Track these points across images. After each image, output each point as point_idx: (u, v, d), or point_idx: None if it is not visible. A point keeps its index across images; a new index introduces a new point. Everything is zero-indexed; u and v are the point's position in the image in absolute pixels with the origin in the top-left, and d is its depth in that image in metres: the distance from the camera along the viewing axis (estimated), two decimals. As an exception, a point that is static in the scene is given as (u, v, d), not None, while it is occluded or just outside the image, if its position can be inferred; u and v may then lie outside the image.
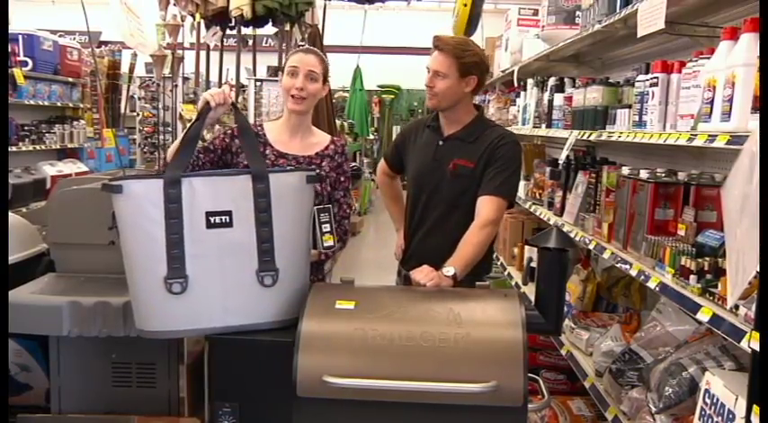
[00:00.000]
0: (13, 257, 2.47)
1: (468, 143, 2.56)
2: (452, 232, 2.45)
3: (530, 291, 2.90)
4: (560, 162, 3.40)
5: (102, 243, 2.32)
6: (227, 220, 1.90)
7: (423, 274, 2.13)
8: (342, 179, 2.54)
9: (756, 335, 1.51)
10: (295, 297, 1.99)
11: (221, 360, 1.95)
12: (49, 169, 6.65)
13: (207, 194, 1.90)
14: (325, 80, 2.50)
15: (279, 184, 1.96)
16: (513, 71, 4.90)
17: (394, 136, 13.43)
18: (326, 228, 2.24)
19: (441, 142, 2.61)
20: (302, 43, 5.25)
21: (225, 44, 5.43)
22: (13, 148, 6.18)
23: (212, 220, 1.89)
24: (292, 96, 2.40)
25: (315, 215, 2.19)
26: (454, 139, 2.59)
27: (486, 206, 2.42)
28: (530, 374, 1.87)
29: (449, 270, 2.18)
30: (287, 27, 5.12)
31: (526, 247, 4.03)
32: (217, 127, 4.84)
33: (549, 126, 3.76)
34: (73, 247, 2.50)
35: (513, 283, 4.19)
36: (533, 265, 2.27)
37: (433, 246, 2.53)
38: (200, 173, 1.96)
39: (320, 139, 2.55)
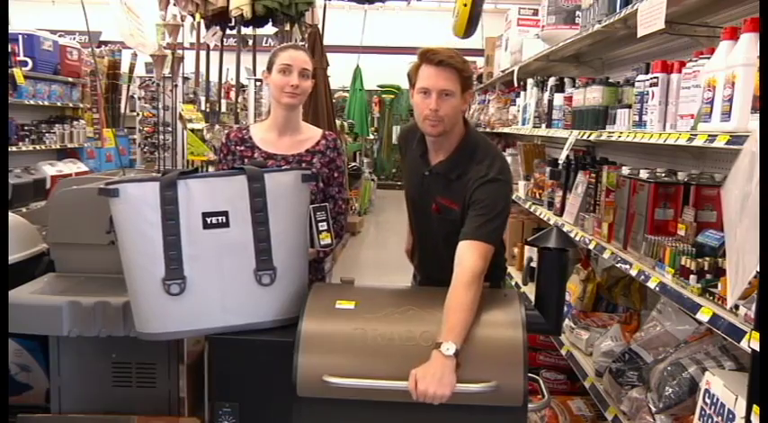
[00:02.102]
0: (13, 257, 2.47)
1: (451, 180, 2.22)
2: (448, 261, 2.07)
3: (530, 291, 2.90)
4: (560, 162, 3.40)
5: (102, 243, 2.33)
6: (224, 221, 1.91)
7: (424, 389, 1.76)
8: (335, 175, 2.52)
9: (756, 335, 1.51)
10: (294, 296, 1.99)
11: (221, 360, 1.95)
12: (49, 169, 6.65)
13: (203, 195, 1.91)
14: (314, 76, 2.51)
15: (274, 184, 1.96)
16: (513, 71, 4.90)
17: (394, 136, 13.45)
18: (323, 226, 2.23)
19: (426, 173, 2.29)
20: (302, 43, 5.25)
21: (225, 44, 5.43)
22: (13, 148, 6.19)
23: (209, 220, 1.90)
24: (286, 92, 2.40)
25: (311, 214, 2.19)
26: (437, 174, 2.25)
27: (467, 254, 2.00)
28: (530, 374, 1.87)
29: (448, 349, 1.78)
30: (287, 27, 5.12)
31: (526, 247, 4.03)
32: (217, 127, 4.84)
33: (549, 126, 3.76)
34: (73, 247, 2.50)
35: (513, 283, 4.19)
36: (533, 265, 2.27)
37: (435, 265, 2.32)
38: (195, 174, 1.96)
39: (310, 135, 2.54)
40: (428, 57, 2.13)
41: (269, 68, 2.45)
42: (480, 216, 2.08)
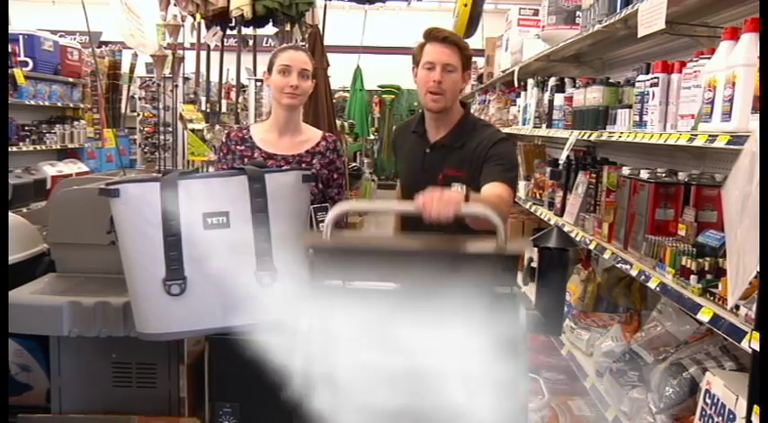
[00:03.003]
0: (13, 257, 2.47)
1: (455, 149, 2.34)
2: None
3: (530, 291, 2.90)
4: (561, 162, 3.40)
5: (102, 243, 2.33)
6: (225, 221, 1.91)
7: (431, 204, 1.76)
8: (335, 176, 2.52)
9: (757, 335, 1.50)
10: (294, 296, 1.99)
11: (221, 360, 1.95)
12: (50, 169, 6.65)
13: (204, 196, 1.91)
14: (314, 76, 2.51)
15: (275, 184, 1.97)
16: (513, 71, 4.90)
17: (394, 136, 13.40)
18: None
19: (428, 150, 2.40)
20: (302, 43, 5.25)
21: (225, 44, 5.44)
22: (14, 149, 6.18)
23: (209, 221, 1.90)
24: (286, 93, 2.41)
25: (312, 214, 2.19)
26: (441, 147, 2.38)
27: (495, 187, 2.12)
28: (530, 374, 1.86)
29: (459, 189, 1.86)
30: (287, 27, 5.13)
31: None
32: (217, 127, 4.85)
33: (549, 126, 3.76)
34: (73, 248, 2.50)
35: (514, 284, 4.18)
36: (534, 265, 2.26)
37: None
38: (196, 175, 1.97)
39: (311, 136, 2.55)
40: (434, 35, 2.32)
41: (269, 69, 2.45)
42: (499, 166, 2.22)
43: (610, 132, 2.74)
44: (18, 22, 7.62)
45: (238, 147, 2.47)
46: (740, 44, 1.79)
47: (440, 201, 1.73)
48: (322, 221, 2.23)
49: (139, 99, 8.27)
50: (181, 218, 1.88)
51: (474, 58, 2.44)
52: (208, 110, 5.54)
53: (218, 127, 4.87)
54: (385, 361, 1.82)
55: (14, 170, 6.13)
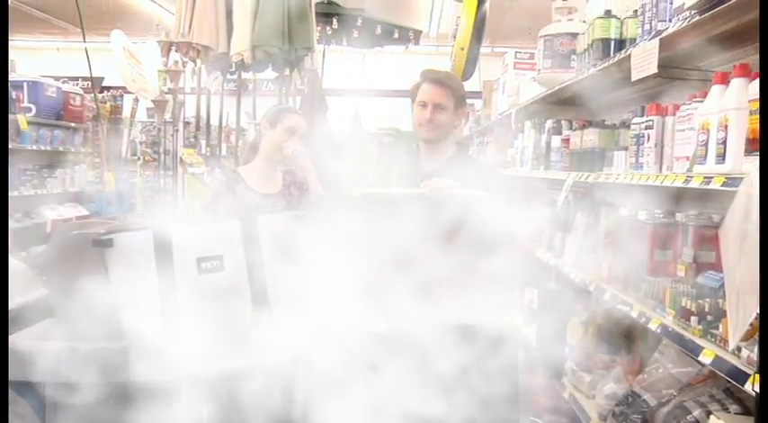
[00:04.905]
0: (11, 303, 2.46)
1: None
2: None
3: (531, 332, 2.88)
4: (559, 203, 3.41)
5: (101, 289, 2.32)
6: (219, 265, 1.93)
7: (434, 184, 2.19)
8: None
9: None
10: (292, 336, 1.99)
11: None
12: (50, 213, 6.66)
13: (197, 241, 1.94)
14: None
15: (268, 226, 2.00)
16: (510, 114, 4.95)
17: (393, 177, 13.47)
18: None
19: (419, 179, 2.42)
20: (302, 87, 5.33)
21: (225, 88, 5.51)
22: (15, 193, 6.20)
23: (204, 265, 1.92)
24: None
25: None
26: (433, 176, 2.39)
27: None
28: (532, 418, 1.85)
29: None
30: (287, 72, 5.20)
31: (526, 289, 4.01)
32: (217, 170, 4.88)
33: (547, 168, 3.79)
34: (72, 292, 2.49)
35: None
36: (534, 306, 2.26)
37: None
38: (189, 221, 2.01)
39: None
40: (428, 75, 2.49)
41: (271, 123, 2.56)
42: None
43: (607, 174, 2.76)
44: (24, 69, 7.74)
45: (237, 186, 2.52)
46: (731, 88, 1.82)
47: (440, 182, 2.16)
48: None
49: (140, 143, 8.33)
50: (175, 264, 1.90)
51: (471, 101, 2.54)
52: (208, 153, 5.59)
53: (218, 170, 4.90)
54: (383, 405, 1.81)
55: (14, 214, 6.14)
